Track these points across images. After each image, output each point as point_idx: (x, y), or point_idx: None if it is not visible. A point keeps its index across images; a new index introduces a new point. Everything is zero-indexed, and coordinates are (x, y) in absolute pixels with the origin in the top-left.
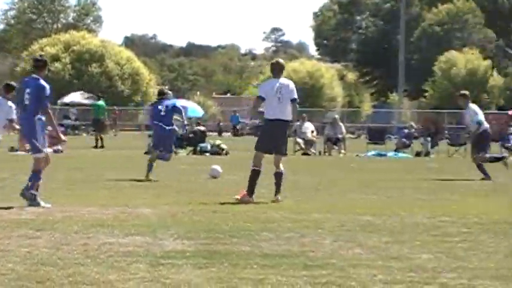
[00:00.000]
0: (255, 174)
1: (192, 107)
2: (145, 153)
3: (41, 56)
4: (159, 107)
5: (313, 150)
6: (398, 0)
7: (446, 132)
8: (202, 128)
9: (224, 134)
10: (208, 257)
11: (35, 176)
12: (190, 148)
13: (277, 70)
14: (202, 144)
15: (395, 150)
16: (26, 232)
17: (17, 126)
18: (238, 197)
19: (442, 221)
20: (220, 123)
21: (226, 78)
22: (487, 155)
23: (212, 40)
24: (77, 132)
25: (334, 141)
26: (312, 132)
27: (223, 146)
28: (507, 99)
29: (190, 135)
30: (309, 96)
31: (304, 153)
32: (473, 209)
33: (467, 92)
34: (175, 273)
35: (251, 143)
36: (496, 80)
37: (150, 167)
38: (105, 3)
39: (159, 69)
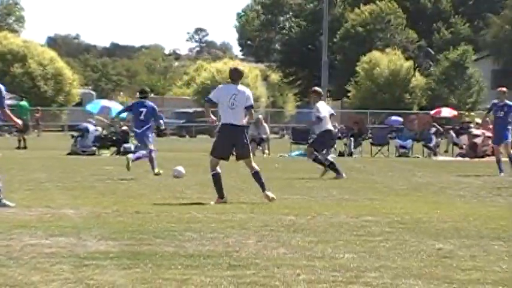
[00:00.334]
0: (217, 179)
1: (115, 108)
2: (69, 154)
3: None
4: (140, 109)
5: None
6: (321, 0)
7: (369, 132)
8: (125, 128)
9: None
10: (132, 258)
11: None
12: (113, 149)
13: (235, 76)
14: (126, 145)
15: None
16: None
17: None
18: (212, 203)
19: (365, 221)
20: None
21: (150, 79)
22: (319, 155)
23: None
24: None
25: (258, 142)
26: None
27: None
28: (429, 100)
29: (114, 136)
30: None
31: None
32: (396, 209)
33: (319, 90)
34: (99, 274)
35: (175, 143)
36: (418, 80)
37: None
38: (28, 3)
39: (82, 69)
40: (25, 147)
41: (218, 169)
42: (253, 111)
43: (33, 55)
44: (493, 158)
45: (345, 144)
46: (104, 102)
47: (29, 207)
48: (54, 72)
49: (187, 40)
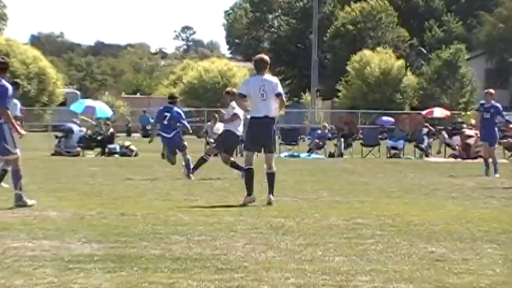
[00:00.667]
0: (249, 174)
1: (100, 107)
2: (53, 154)
3: (2, 58)
4: (165, 113)
5: None
6: None
7: (360, 132)
8: (111, 129)
9: (133, 134)
10: (118, 261)
11: (15, 175)
12: (98, 149)
13: (260, 67)
14: (111, 146)
15: (308, 151)
16: None
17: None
18: (241, 201)
19: (356, 223)
20: (129, 124)
21: (136, 78)
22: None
23: (121, 39)
24: None
25: None
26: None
27: (133, 147)
28: (421, 100)
29: (99, 136)
30: (221, 96)
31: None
32: (387, 211)
33: (234, 90)
34: (83, 278)
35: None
36: (409, 79)
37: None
38: (11, 1)
39: (66, 68)
40: None
41: (252, 165)
42: (283, 99)
43: (16, 54)
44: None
45: (335, 145)
46: (88, 102)
47: (11, 209)
48: (38, 71)
49: (174, 38)
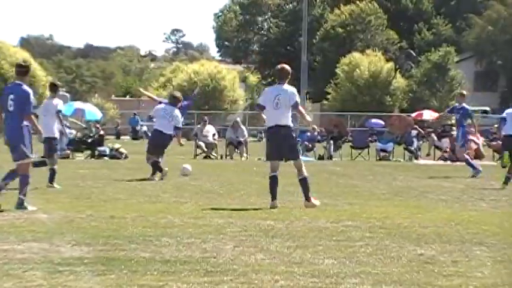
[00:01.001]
0: (272, 182)
1: (89, 110)
2: (43, 157)
3: (24, 62)
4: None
5: (214, 154)
6: (300, 1)
7: (349, 135)
8: (100, 132)
9: (123, 137)
10: (107, 264)
11: (23, 180)
12: (88, 152)
13: (281, 76)
14: (100, 148)
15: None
16: None
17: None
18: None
19: (345, 226)
20: (119, 127)
21: (125, 80)
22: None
23: (111, 41)
24: None
25: (235, 145)
26: (214, 135)
27: (123, 150)
28: (410, 102)
29: (88, 139)
30: (210, 98)
31: (206, 157)
32: (377, 213)
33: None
34: (73, 281)
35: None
36: (399, 82)
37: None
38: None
39: (56, 70)
40: None
41: (276, 172)
42: (301, 109)
43: (6, 56)
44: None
45: (325, 148)
46: (78, 105)
47: (0, 212)
48: None
49: (163, 41)
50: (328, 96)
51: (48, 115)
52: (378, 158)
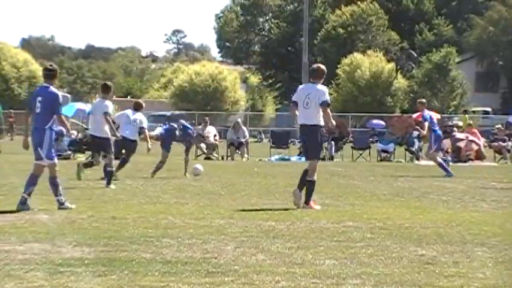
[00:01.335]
0: (304, 174)
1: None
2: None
3: (51, 65)
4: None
5: (215, 155)
6: (301, 1)
7: (350, 135)
8: None
9: None
10: (108, 265)
11: (32, 181)
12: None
13: (314, 75)
14: None
15: (299, 155)
16: None
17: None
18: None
19: (346, 226)
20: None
21: (127, 81)
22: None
23: (112, 42)
24: None
25: (236, 146)
26: (215, 136)
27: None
28: (411, 103)
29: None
30: (211, 99)
31: (207, 158)
32: (378, 214)
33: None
34: (74, 282)
35: (152, 147)
36: (400, 82)
37: None
38: (1, 4)
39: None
40: None
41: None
42: (328, 110)
43: (7, 57)
44: (477, 162)
45: (326, 148)
46: (79, 106)
47: (2, 213)
48: (28, 74)
49: (164, 42)
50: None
51: (96, 115)
52: (379, 159)
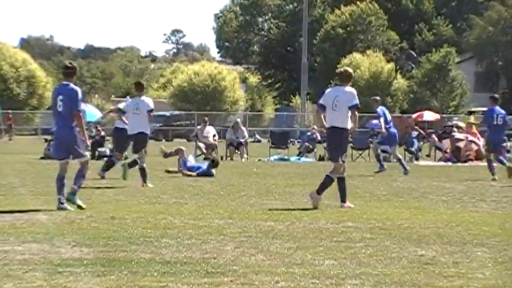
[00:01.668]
0: (340, 182)
1: (89, 111)
2: (42, 158)
3: (70, 63)
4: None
5: (214, 155)
6: (300, 1)
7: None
8: (101, 133)
9: None
10: (107, 265)
11: (80, 174)
12: (88, 153)
13: (342, 78)
14: (101, 149)
15: (298, 155)
16: None
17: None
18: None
19: (346, 227)
20: None
21: (126, 81)
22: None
23: (111, 42)
24: None
25: (236, 146)
26: (214, 136)
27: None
28: (411, 103)
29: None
30: (211, 99)
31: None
32: (377, 214)
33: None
34: (73, 282)
35: (151, 147)
36: (399, 83)
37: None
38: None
39: (56, 71)
40: None
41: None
42: (356, 113)
43: (6, 57)
44: (477, 162)
45: (325, 149)
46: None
47: (1, 213)
48: (27, 74)
49: (163, 42)
50: None
51: (139, 113)
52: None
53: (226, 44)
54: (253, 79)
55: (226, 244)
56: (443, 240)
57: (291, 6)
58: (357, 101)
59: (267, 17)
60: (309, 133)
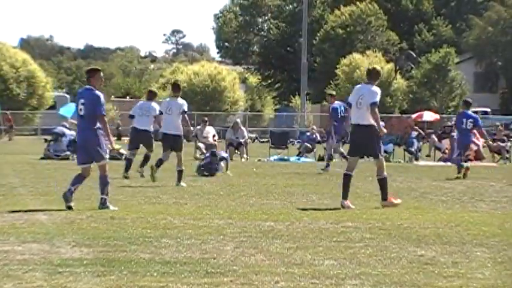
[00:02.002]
0: (345, 179)
1: None
2: (42, 158)
3: (94, 67)
4: None
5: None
6: (300, 2)
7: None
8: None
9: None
10: (107, 265)
11: (104, 181)
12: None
13: (370, 76)
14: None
15: (298, 155)
16: None
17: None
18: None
19: (345, 227)
20: (119, 127)
21: (125, 81)
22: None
23: (111, 42)
24: None
25: (236, 146)
26: (214, 136)
27: (123, 151)
28: (410, 103)
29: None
30: (210, 99)
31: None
32: (377, 214)
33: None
34: (73, 282)
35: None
36: (399, 83)
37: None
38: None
39: (56, 71)
40: None
41: (351, 171)
42: (376, 111)
43: (5, 57)
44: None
45: (325, 149)
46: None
47: (1, 213)
48: (27, 74)
49: (163, 42)
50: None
51: (172, 114)
52: None
53: (226, 44)
54: (253, 79)
55: (226, 244)
56: (443, 240)
57: (290, 6)
58: (376, 100)
59: (266, 18)
60: (308, 133)
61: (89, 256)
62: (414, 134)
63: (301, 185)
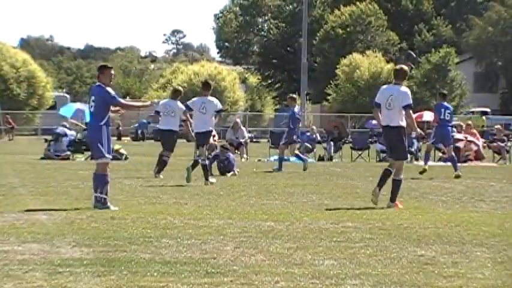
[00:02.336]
0: (384, 173)
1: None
2: (42, 158)
3: (105, 63)
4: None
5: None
6: (300, 2)
7: (349, 136)
8: None
9: (123, 138)
10: (107, 265)
11: (101, 179)
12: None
13: (397, 76)
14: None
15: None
16: None
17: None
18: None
19: (345, 227)
20: (120, 128)
21: (126, 81)
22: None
23: (111, 42)
24: None
25: (236, 146)
26: (214, 136)
27: (123, 151)
28: None
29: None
30: None
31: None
32: (377, 214)
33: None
34: (73, 282)
35: (152, 147)
36: None
37: None
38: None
39: (56, 72)
40: None
41: (391, 168)
42: (411, 113)
43: (6, 57)
44: (476, 163)
45: (325, 149)
46: (78, 106)
47: (1, 213)
48: (27, 75)
49: (163, 42)
50: (328, 97)
51: (207, 113)
52: (378, 159)
53: (226, 44)
54: (253, 79)
55: (226, 244)
56: (443, 240)
57: (290, 6)
58: (410, 101)
59: (266, 18)
60: (308, 133)
61: (89, 256)
62: (414, 134)
63: (301, 185)
